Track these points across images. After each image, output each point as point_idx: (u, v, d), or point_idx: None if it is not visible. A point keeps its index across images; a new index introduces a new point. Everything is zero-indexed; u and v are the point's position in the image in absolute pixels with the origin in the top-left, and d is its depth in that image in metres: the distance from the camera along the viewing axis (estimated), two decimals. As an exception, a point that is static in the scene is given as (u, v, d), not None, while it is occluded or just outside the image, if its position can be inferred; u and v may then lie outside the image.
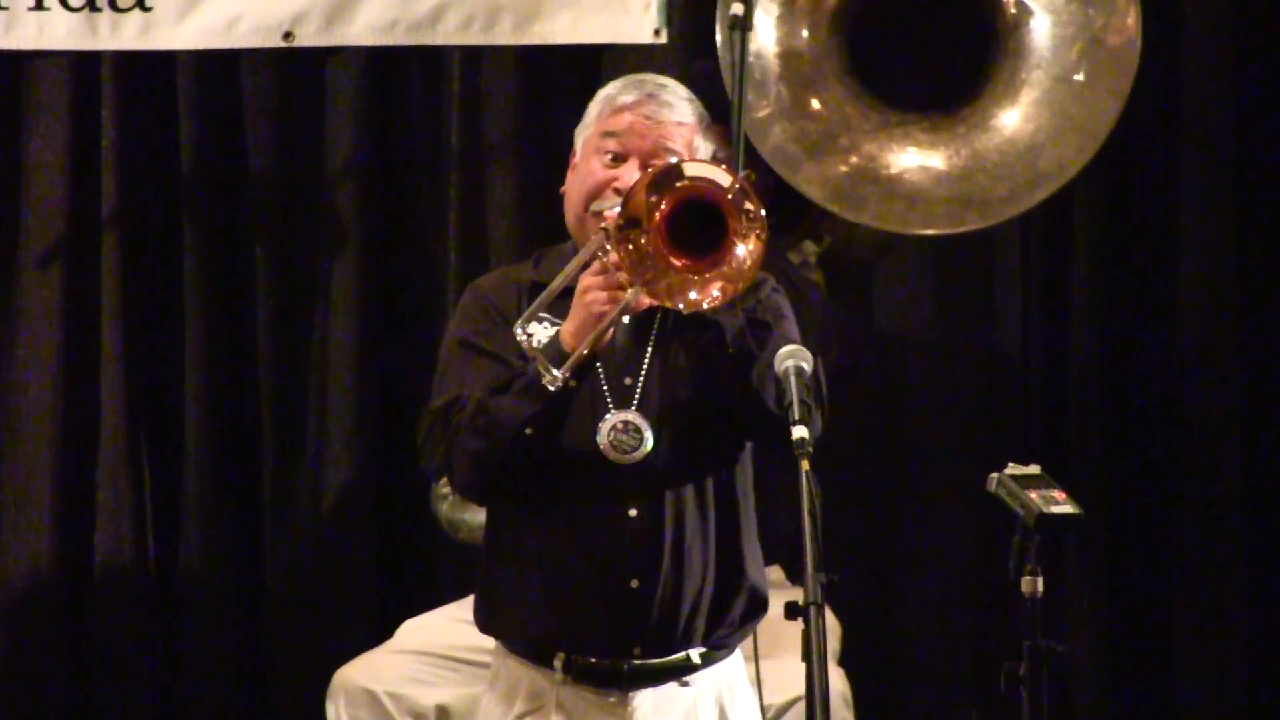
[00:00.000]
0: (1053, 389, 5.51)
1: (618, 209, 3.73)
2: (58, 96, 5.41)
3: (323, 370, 5.48)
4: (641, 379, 3.83)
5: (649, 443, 3.79)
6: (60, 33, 5.37)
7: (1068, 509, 3.79)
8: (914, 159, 5.02)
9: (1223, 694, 5.46)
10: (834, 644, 4.94)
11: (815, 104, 5.00)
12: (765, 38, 4.95)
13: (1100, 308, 5.47)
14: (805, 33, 5.00)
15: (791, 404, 3.60)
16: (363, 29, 5.40)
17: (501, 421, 3.72)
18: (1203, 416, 5.46)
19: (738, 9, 4.65)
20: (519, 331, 3.70)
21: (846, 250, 5.28)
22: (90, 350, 5.42)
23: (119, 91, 5.40)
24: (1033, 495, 3.80)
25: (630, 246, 3.66)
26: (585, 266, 3.74)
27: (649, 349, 3.85)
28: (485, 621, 3.93)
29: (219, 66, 5.44)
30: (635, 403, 3.82)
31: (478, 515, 4.69)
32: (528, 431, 3.72)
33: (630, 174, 3.82)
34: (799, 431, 3.55)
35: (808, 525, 3.55)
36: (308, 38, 5.40)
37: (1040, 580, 3.79)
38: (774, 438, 3.77)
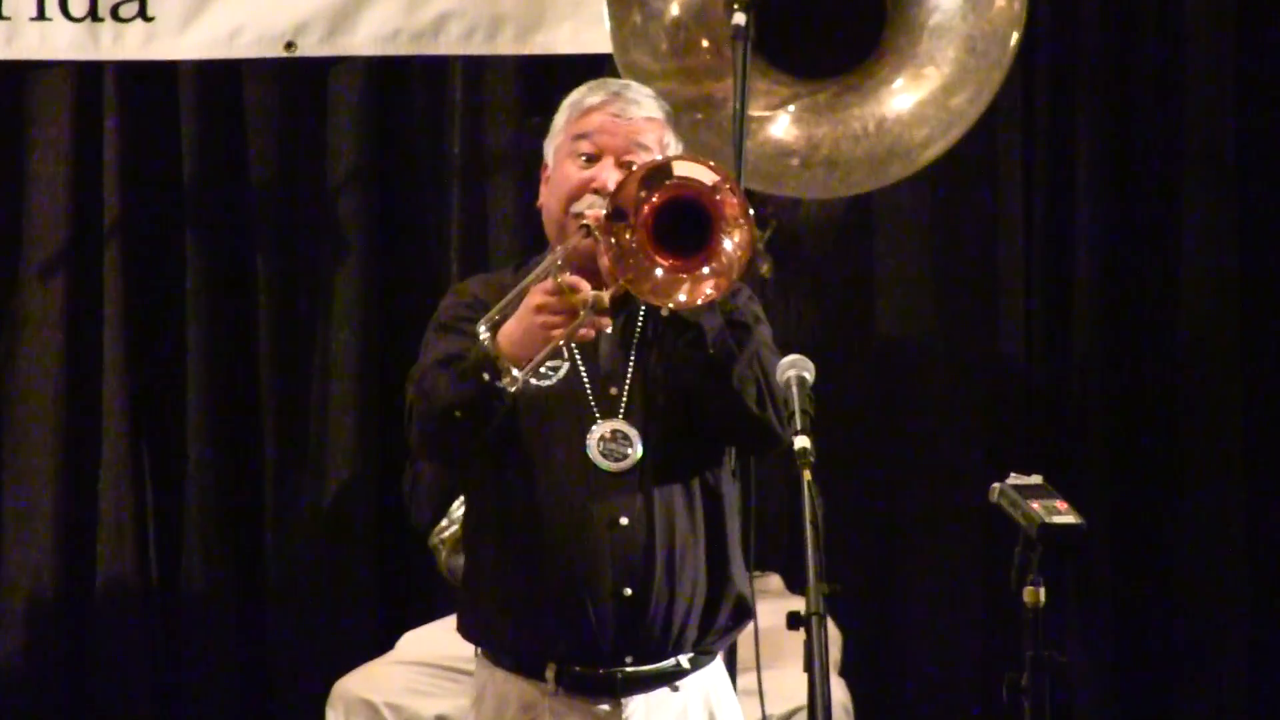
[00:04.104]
0: (1055, 399, 5.50)
1: (599, 207, 3.74)
2: (60, 106, 5.42)
3: (325, 380, 5.47)
4: (627, 387, 3.84)
5: (639, 450, 3.80)
6: (62, 43, 5.37)
7: (1070, 519, 3.78)
8: (827, 124, 5.00)
9: (1224, 705, 5.45)
10: (835, 654, 4.94)
11: (719, 88, 4.97)
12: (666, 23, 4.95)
13: (1103, 317, 5.47)
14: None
15: (793, 413, 3.60)
16: (365, 39, 5.40)
17: (436, 395, 3.74)
18: (1205, 426, 5.46)
19: (740, 19, 4.65)
20: (482, 329, 3.69)
21: (791, 235, 5.27)
22: (92, 360, 5.42)
23: (121, 101, 5.40)
24: (1035, 505, 3.79)
25: (614, 240, 3.66)
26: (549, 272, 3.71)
27: (632, 357, 3.85)
28: (471, 630, 3.92)
29: (221, 76, 5.44)
30: (621, 412, 3.83)
31: None
32: (456, 414, 3.72)
33: (606, 172, 3.84)
34: (800, 441, 3.54)
35: (810, 535, 3.54)
36: (310, 48, 5.40)
37: (1042, 591, 3.77)
38: (756, 440, 3.81)
